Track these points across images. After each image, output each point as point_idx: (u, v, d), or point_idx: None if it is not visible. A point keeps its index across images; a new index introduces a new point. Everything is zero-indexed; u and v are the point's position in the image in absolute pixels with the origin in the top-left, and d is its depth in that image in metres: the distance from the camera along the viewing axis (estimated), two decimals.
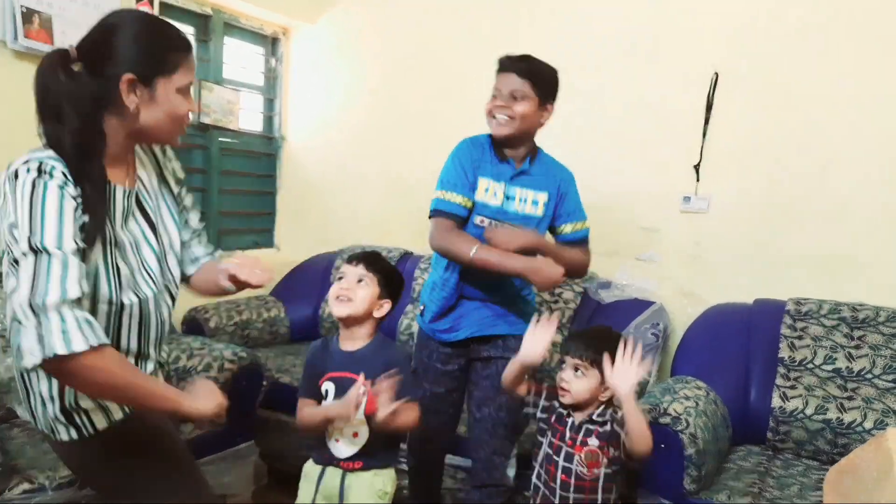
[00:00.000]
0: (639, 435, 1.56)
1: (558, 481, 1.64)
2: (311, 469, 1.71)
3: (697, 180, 2.72)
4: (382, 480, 1.66)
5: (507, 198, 1.93)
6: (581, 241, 2.02)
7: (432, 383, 2.03)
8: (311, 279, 3.34)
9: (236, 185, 3.50)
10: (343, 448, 1.66)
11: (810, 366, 2.29)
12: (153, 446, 1.37)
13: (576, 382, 1.64)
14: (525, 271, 1.81)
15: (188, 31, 3.25)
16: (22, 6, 2.34)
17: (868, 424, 2.12)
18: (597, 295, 2.75)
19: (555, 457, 1.66)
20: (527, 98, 1.86)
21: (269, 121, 3.73)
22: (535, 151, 1.99)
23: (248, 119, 3.60)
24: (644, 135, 2.82)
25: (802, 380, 2.28)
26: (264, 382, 2.54)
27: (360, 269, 1.68)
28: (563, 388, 1.65)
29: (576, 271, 2.00)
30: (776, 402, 2.26)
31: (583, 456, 1.62)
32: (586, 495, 1.62)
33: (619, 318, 2.63)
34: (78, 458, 1.36)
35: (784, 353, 2.34)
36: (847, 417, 2.15)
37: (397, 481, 1.74)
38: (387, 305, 1.71)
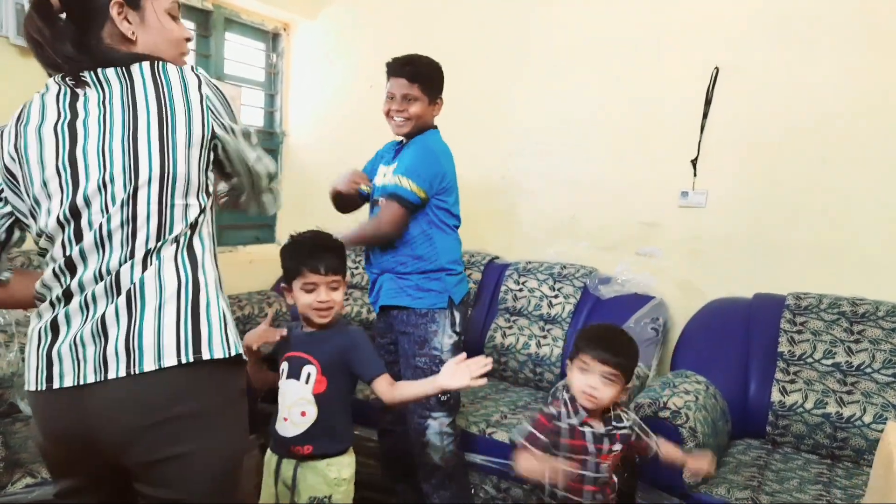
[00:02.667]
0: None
1: (587, 494, 1.62)
2: (269, 458, 1.72)
3: (695, 175, 2.72)
4: (336, 468, 1.66)
5: (384, 175, 2.17)
6: (386, 195, 2.08)
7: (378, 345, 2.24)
8: None
9: None
10: (290, 427, 1.64)
11: (810, 360, 2.30)
12: None
13: (604, 390, 1.59)
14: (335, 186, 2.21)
15: (189, 26, 3.26)
16: (27, 0, 2.35)
17: (867, 419, 2.13)
18: (597, 290, 2.75)
19: (581, 472, 1.61)
20: (418, 99, 2.07)
21: (269, 116, 3.74)
22: (419, 133, 2.14)
23: (249, 114, 3.61)
24: (644, 130, 2.82)
25: (802, 374, 2.28)
26: None
27: (331, 277, 1.67)
28: (590, 396, 1.59)
29: (367, 241, 2.17)
30: (776, 396, 2.27)
31: (609, 463, 1.63)
32: (608, 496, 1.64)
33: (618, 312, 2.64)
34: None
35: (784, 347, 2.34)
36: (846, 412, 2.16)
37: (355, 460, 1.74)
38: (345, 284, 1.74)
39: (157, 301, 1.11)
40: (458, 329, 2.12)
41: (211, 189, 1.22)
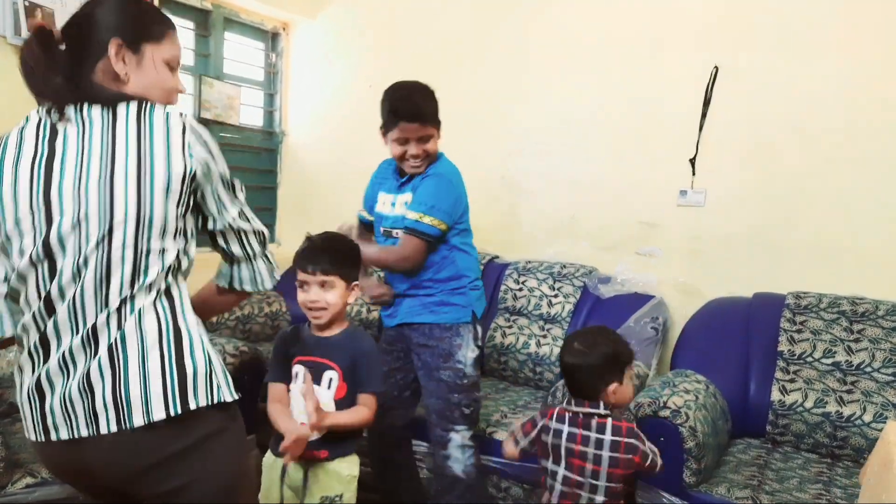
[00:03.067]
0: None
1: (588, 471, 1.66)
2: (270, 460, 1.70)
3: (693, 174, 2.72)
4: (348, 466, 1.66)
5: (393, 205, 2.13)
6: (405, 230, 2.04)
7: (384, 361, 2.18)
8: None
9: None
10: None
11: (810, 359, 2.30)
12: None
13: (620, 391, 1.69)
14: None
15: (188, 26, 3.25)
16: (25, 0, 2.35)
17: (867, 418, 2.13)
18: (596, 290, 2.75)
19: (580, 447, 1.67)
20: (432, 136, 2.04)
21: (269, 116, 3.73)
22: (433, 162, 2.10)
23: (249, 114, 3.61)
24: (644, 129, 2.82)
25: (802, 373, 2.28)
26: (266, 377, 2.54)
27: (318, 277, 1.66)
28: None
29: (389, 269, 2.14)
30: (775, 395, 2.27)
31: (604, 471, 1.66)
32: (615, 482, 1.67)
33: (618, 311, 2.64)
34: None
35: (783, 346, 2.34)
36: (846, 411, 2.16)
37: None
38: (357, 288, 1.72)
39: (139, 352, 1.11)
40: (479, 343, 2.12)
41: (190, 234, 1.20)
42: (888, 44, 2.38)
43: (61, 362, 1.10)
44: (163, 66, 1.24)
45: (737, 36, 2.63)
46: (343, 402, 1.64)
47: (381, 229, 2.16)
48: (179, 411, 1.11)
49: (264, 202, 3.69)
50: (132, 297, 1.11)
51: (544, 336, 2.75)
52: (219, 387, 1.17)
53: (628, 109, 2.85)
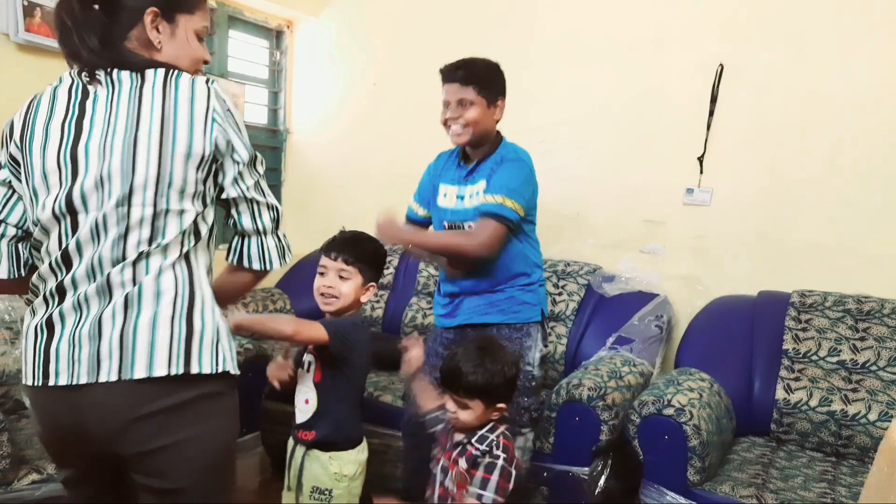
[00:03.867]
0: None
1: (437, 494, 1.56)
2: (289, 445, 1.77)
3: (701, 172, 2.72)
4: (339, 464, 1.67)
5: (460, 198, 2.01)
6: (484, 214, 1.91)
7: (433, 366, 2.05)
8: (315, 272, 3.34)
9: None
10: (299, 414, 1.71)
11: (815, 357, 2.29)
12: None
13: (462, 414, 1.52)
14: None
15: None
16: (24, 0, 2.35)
17: (872, 416, 2.12)
18: (600, 288, 2.75)
19: (435, 467, 1.59)
20: (474, 104, 1.92)
21: (273, 114, 3.73)
22: (493, 147, 2.01)
23: (253, 112, 3.61)
24: (649, 127, 2.81)
25: (807, 371, 2.28)
26: None
27: (339, 264, 1.69)
28: (453, 418, 1.54)
29: (447, 253, 2.01)
30: (780, 393, 2.26)
31: (454, 474, 1.51)
32: None
33: (623, 309, 2.64)
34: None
35: (788, 344, 2.34)
36: (851, 409, 2.15)
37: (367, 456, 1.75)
38: (372, 289, 1.73)
39: (153, 307, 1.13)
40: (546, 343, 2.05)
41: (209, 200, 1.22)
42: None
43: (76, 303, 1.13)
44: (193, 36, 1.27)
45: (741, 34, 2.62)
46: (321, 385, 1.67)
47: (445, 224, 2.05)
48: (181, 371, 1.13)
49: None
50: (149, 255, 1.14)
51: (549, 334, 2.75)
52: (224, 357, 1.18)
53: (634, 106, 2.84)
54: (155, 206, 1.13)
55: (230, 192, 1.23)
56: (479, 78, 1.94)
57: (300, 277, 3.37)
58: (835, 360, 2.26)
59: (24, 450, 1.87)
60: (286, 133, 3.75)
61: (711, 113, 2.67)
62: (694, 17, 2.72)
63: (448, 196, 2.05)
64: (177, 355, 1.12)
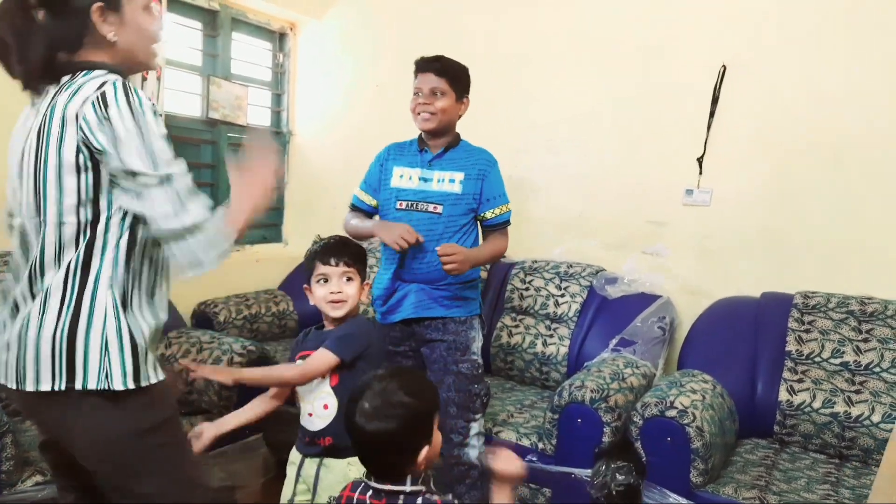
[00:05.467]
0: None
1: None
2: (294, 456, 1.73)
3: (700, 173, 2.71)
4: (357, 469, 1.64)
5: (424, 180, 2.11)
6: (502, 224, 2.15)
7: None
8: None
9: None
10: (316, 421, 1.65)
11: (818, 359, 2.29)
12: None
13: (432, 449, 1.26)
14: (375, 230, 2.08)
15: (196, 26, 3.27)
16: None
17: (876, 418, 2.11)
18: (603, 290, 2.75)
19: None
20: (445, 94, 2.07)
21: (276, 116, 3.74)
22: (456, 140, 2.17)
23: (256, 114, 3.62)
24: (652, 127, 2.81)
25: (810, 373, 2.27)
26: None
27: (342, 268, 1.68)
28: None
29: (493, 261, 2.38)
30: (783, 395, 2.26)
31: None
32: None
33: (625, 311, 2.64)
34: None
35: (791, 346, 2.33)
36: (855, 411, 2.15)
37: None
38: (367, 287, 1.75)
39: (38, 323, 1.16)
40: (484, 332, 2.19)
41: (104, 209, 1.18)
42: None
43: (12, 311, 1.24)
44: (142, 13, 1.26)
45: (745, 34, 2.62)
46: (339, 389, 1.63)
47: (401, 203, 2.11)
48: (64, 388, 1.15)
49: (271, 202, 3.69)
50: (44, 272, 1.19)
51: (551, 336, 2.75)
52: (123, 376, 1.17)
53: (636, 107, 2.84)
54: (45, 217, 1.17)
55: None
56: (453, 72, 2.09)
57: (302, 280, 3.37)
58: (838, 361, 2.26)
59: (27, 451, 1.88)
60: (289, 135, 3.76)
61: (712, 114, 2.67)
62: (698, 17, 2.71)
63: (406, 177, 2.14)
64: (59, 374, 1.15)
